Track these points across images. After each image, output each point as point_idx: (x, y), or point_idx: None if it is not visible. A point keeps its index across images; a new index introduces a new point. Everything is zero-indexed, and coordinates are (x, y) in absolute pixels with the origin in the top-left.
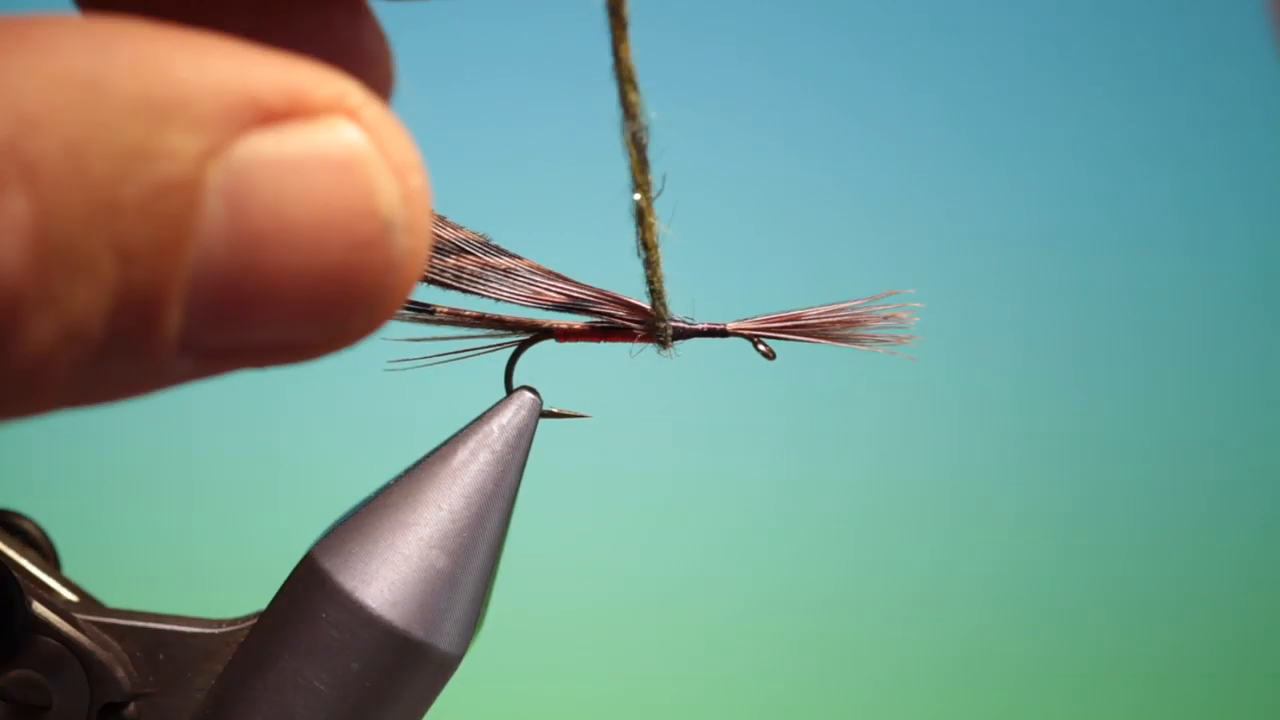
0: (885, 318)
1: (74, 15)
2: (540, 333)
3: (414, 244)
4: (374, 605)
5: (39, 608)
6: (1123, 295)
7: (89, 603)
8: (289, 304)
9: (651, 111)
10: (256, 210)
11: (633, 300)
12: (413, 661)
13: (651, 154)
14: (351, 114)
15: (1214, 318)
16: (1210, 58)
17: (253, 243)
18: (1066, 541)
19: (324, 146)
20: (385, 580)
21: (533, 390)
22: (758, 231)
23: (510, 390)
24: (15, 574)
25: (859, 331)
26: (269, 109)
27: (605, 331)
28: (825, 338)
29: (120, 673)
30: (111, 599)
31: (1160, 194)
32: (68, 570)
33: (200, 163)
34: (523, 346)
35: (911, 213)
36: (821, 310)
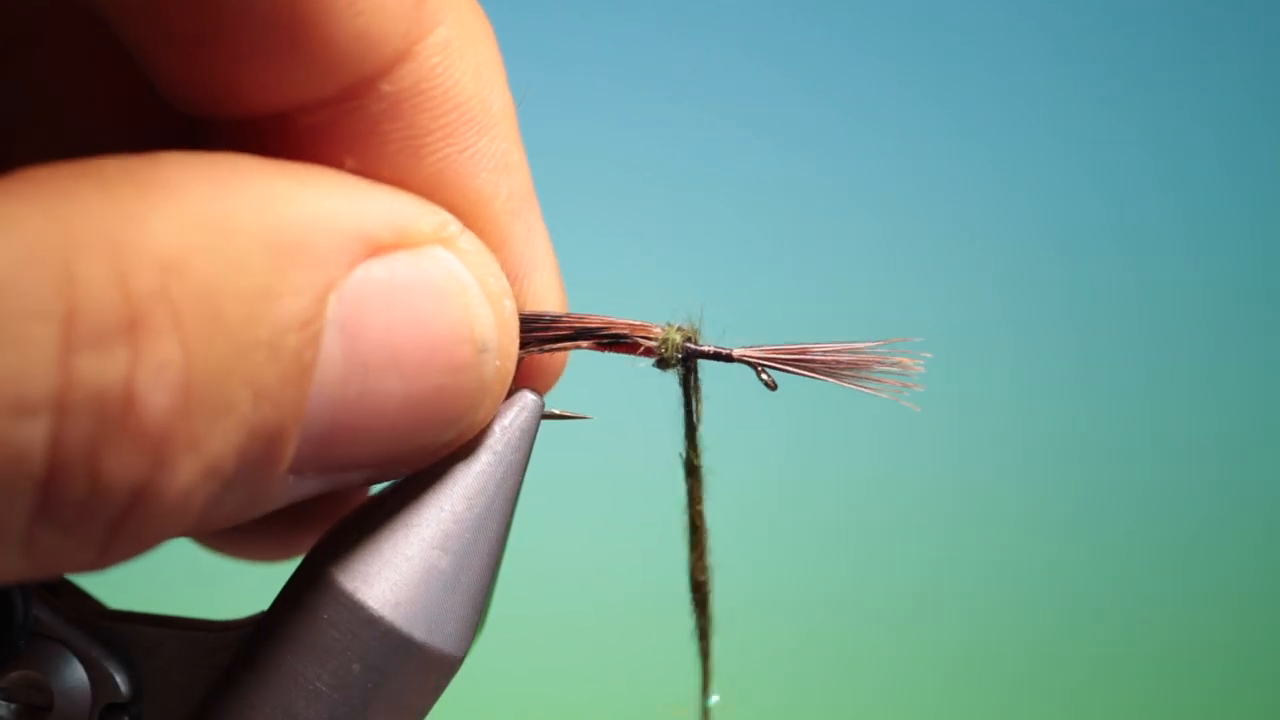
0: (892, 364)
1: (193, 153)
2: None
3: (503, 366)
4: (375, 606)
5: (40, 609)
6: (1123, 296)
7: (90, 603)
8: (389, 426)
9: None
10: (368, 340)
11: (639, 323)
12: (414, 662)
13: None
14: (449, 243)
15: (1214, 318)
16: (1211, 57)
17: (363, 371)
18: (1066, 543)
19: (428, 276)
20: (387, 581)
21: (535, 392)
22: (760, 232)
23: (512, 392)
24: None
25: (864, 374)
26: (378, 242)
27: (608, 345)
28: (830, 376)
29: (121, 674)
30: (112, 600)
31: (1160, 194)
32: None
33: (321, 298)
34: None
35: (914, 212)
36: (828, 348)
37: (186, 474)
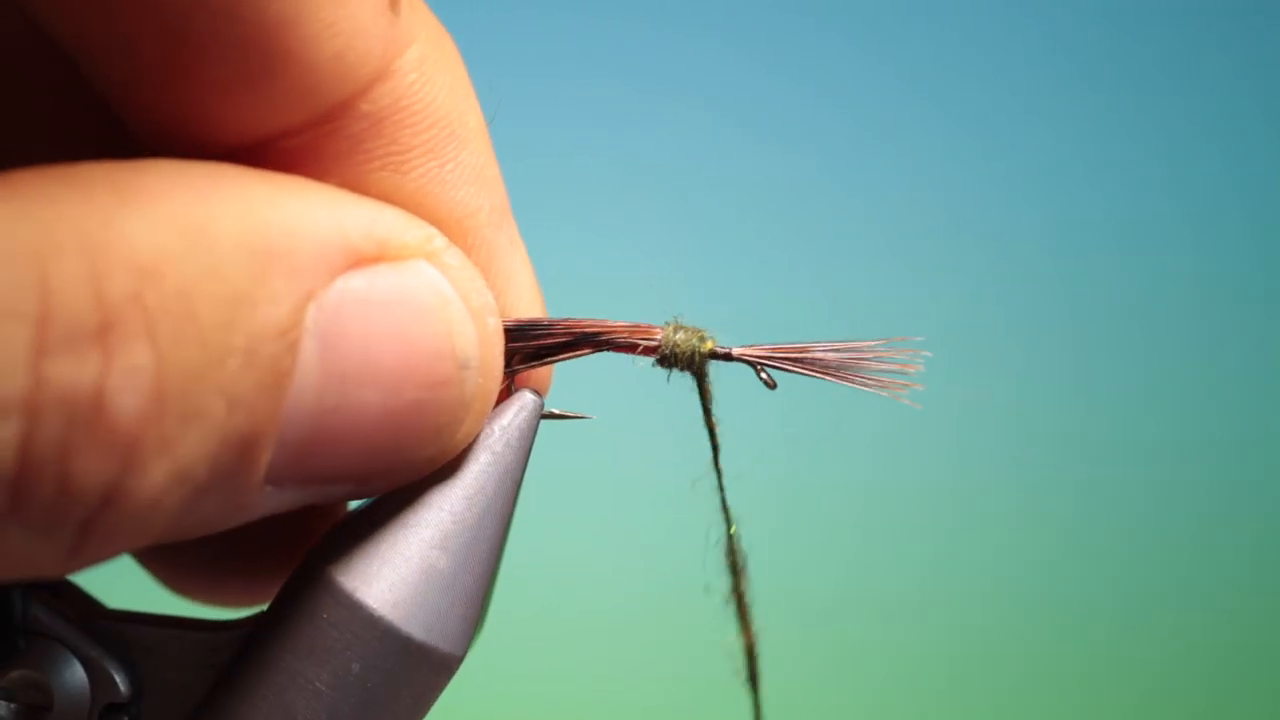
0: (892, 363)
1: (176, 161)
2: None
3: (485, 383)
4: (375, 606)
5: (40, 609)
6: (1123, 296)
7: (90, 603)
8: (367, 440)
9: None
10: (347, 351)
11: (639, 325)
12: (413, 662)
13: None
14: (434, 257)
15: (1215, 317)
16: (1211, 57)
17: (341, 382)
18: (1067, 544)
19: (410, 289)
20: (386, 581)
21: (534, 391)
22: (759, 233)
23: (511, 392)
24: None
25: (864, 373)
26: (360, 253)
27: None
28: (829, 375)
29: (121, 674)
30: (112, 599)
31: (1161, 194)
32: None
33: (300, 307)
34: (524, 360)
35: (913, 213)
36: (828, 346)
37: (157, 478)
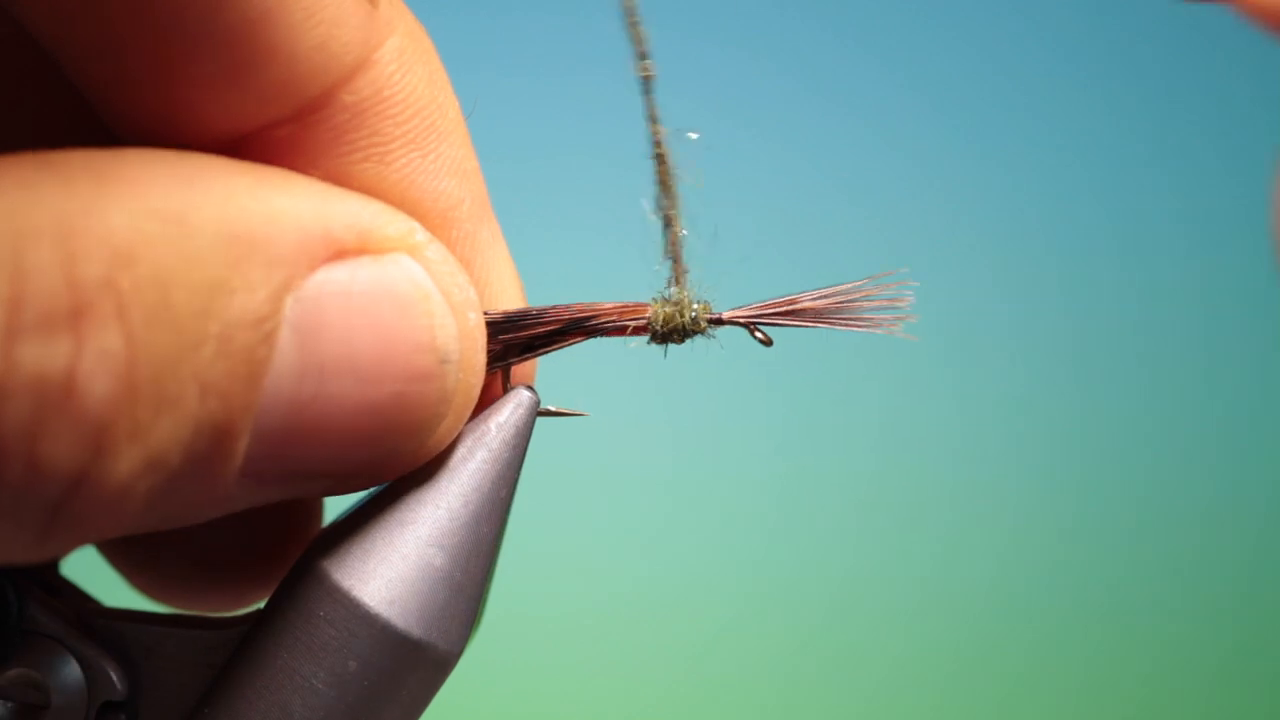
0: (881, 301)
1: (158, 150)
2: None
3: (466, 378)
4: (371, 604)
5: (36, 607)
6: (1123, 293)
7: (87, 602)
8: (346, 432)
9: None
10: (325, 342)
11: (628, 304)
12: (410, 660)
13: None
14: (415, 251)
15: (1214, 316)
16: (1210, 56)
17: (319, 374)
18: (1066, 541)
19: (391, 282)
20: (383, 579)
21: (530, 388)
22: (755, 227)
23: (507, 389)
24: (13, 573)
25: (855, 315)
26: (341, 245)
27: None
28: (821, 322)
29: (118, 672)
30: (110, 599)
31: (1160, 192)
32: (66, 570)
33: (277, 297)
34: (517, 353)
35: (911, 212)
36: (816, 294)
37: (127, 463)
